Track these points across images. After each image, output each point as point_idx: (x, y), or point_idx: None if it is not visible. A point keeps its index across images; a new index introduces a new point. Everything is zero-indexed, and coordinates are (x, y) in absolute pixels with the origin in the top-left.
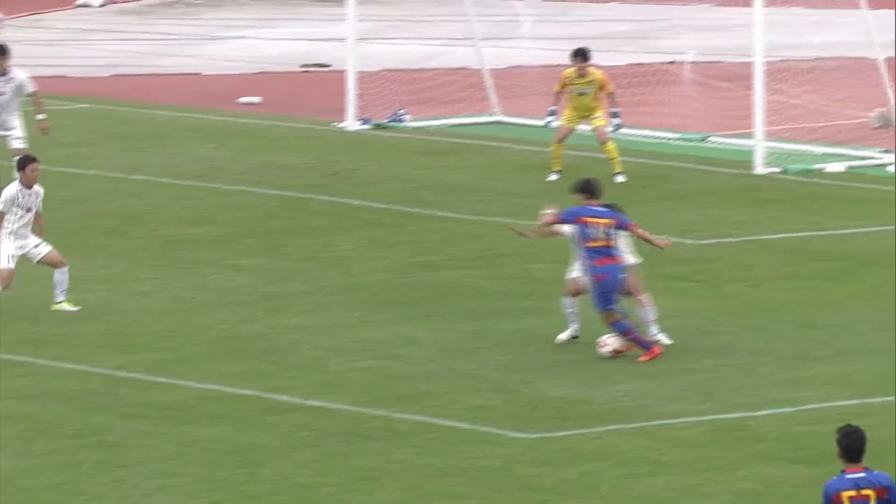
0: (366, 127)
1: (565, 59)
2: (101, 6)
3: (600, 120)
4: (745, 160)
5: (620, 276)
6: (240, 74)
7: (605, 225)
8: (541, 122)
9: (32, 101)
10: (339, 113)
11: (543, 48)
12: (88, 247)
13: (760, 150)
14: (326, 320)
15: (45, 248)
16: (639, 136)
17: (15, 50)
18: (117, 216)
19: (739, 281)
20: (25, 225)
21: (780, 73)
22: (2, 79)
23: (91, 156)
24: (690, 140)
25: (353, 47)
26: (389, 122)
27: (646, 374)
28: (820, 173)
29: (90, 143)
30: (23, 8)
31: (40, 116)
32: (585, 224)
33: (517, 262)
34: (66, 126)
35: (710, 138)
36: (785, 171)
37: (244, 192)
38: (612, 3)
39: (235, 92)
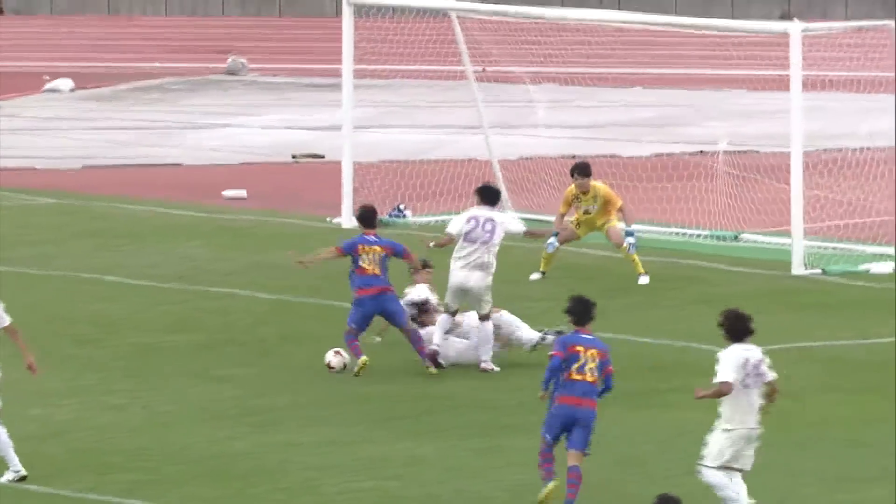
0: None
1: (583, 148)
2: (72, 91)
3: (612, 222)
4: (782, 260)
5: None
6: (225, 166)
7: None
8: (551, 219)
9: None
10: (335, 208)
11: (560, 137)
12: (54, 356)
13: (799, 249)
14: (319, 437)
15: None
16: (665, 233)
17: None
18: (88, 322)
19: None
20: None
21: (820, 164)
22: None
23: (58, 255)
24: (722, 238)
25: (349, 136)
26: (390, 218)
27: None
28: (865, 275)
29: (57, 240)
30: None
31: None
32: None
33: (526, 373)
34: (30, 223)
35: (743, 236)
36: (826, 273)
37: (230, 295)
38: (635, 87)
39: (220, 185)
